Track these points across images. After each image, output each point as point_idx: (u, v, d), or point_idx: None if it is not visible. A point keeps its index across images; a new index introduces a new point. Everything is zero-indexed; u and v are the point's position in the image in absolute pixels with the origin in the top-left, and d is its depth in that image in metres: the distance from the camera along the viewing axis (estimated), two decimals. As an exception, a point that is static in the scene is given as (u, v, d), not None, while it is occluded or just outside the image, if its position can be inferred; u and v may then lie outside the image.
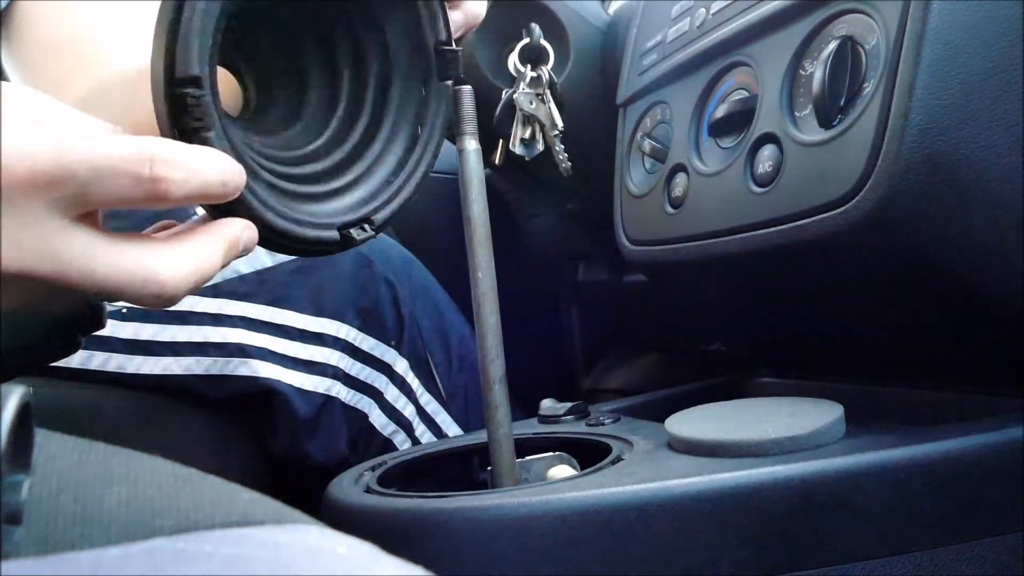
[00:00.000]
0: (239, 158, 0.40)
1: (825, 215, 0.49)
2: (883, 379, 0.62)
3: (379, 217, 0.47)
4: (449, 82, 0.50)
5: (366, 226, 0.46)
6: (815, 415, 0.50)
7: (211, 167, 0.37)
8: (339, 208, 0.46)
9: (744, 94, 0.59)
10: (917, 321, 0.54)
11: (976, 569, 0.45)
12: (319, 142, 0.48)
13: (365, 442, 0.73)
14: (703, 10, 0.65)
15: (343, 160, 0.48)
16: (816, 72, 0.51)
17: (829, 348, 0.65)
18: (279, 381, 0.67)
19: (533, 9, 0.80)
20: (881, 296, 0.54)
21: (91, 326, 0.43)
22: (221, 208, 0.40)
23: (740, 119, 0.58)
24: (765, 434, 0.48)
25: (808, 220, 0.51)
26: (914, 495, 0.45)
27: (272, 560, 0.24)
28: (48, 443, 0.28)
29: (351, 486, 0.53)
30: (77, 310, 0.42)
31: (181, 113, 0.38)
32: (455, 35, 0.51)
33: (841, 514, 0.44)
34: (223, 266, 0.39)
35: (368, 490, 0.52)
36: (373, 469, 0.57)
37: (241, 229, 0.40)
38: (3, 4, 0.65)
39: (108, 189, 0.34)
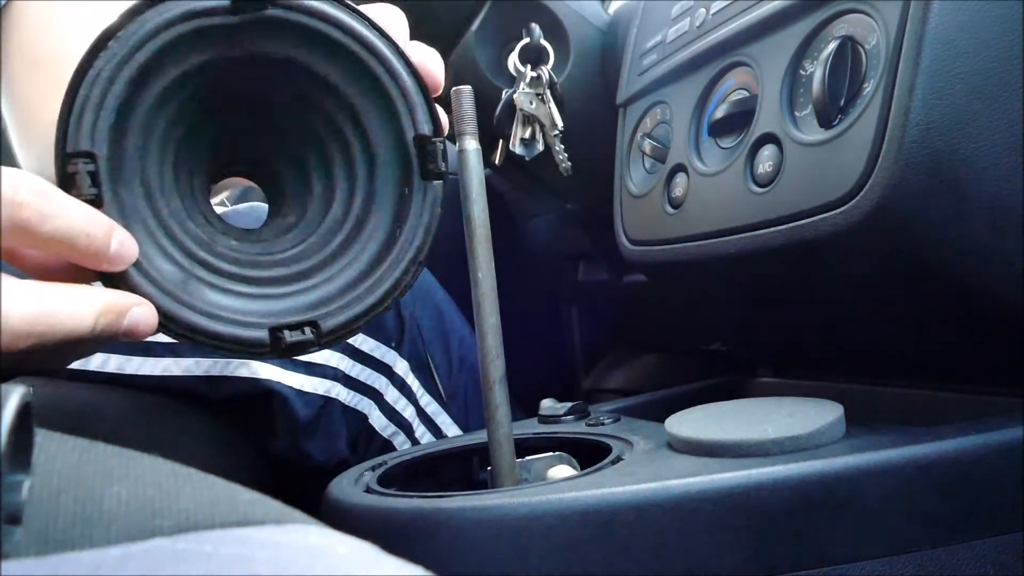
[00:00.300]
0: (147, 237, 0.40)
1: (825, 215, 0.49)
2: (883, 379, 0.62)
3: (328, 324, 0.43)
4: (435, 181, 0.46)
5: (307, 329, 0.42)
6: (815, 415, 0.50)
7: (79, 214, 0.37)
8: (284, 308, 0.43)
9: (744, 94, 0.59)
10: (917, 321, 0.54)
11: (976, 569, 0.45)
12: (301, 246, 0.46)
13: (365, 443, 0.73)
14: (703, 10, 0.65)
15: (318, 263, 0.45)
16: (816, 72, 0.51)
17: (829, 348, 0.65)
18: (279, 383, 0.67)
19: (533, 9, 0.80)
20: (881, 296, 0.54)
21: None
22: (114, 282, 0.39)
23: (740, 119, 0.58)
24: (765, 434, 0.48)
25: (808, 220, 0.51)
26: (914, 495, 0.45)
27: (272, 560, 0.24)
28: (48, 443, 0.28)
29: (351, 486, 0.53)
30: None
31: (70, 185, 0.39)
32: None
33: (841, 514, 0.44)
34: (99, 334, 0.38)
35: (368, 490, 0.52)
36: (373, 469, 0.57)
37: (130, 302, 0.39)
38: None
39: None
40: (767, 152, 0.55)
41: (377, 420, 0.73)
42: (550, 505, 0.44)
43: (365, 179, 0.46)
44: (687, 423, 0.52)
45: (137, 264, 0.39)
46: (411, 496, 0.48)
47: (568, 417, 0.64)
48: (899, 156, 0.46)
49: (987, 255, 0.48)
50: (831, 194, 0.49)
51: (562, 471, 0.54)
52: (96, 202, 0.39)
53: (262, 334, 0.41)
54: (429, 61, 0.47)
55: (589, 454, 0.55)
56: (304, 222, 0.47)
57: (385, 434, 0.74)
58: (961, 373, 0.56)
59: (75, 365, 0.63)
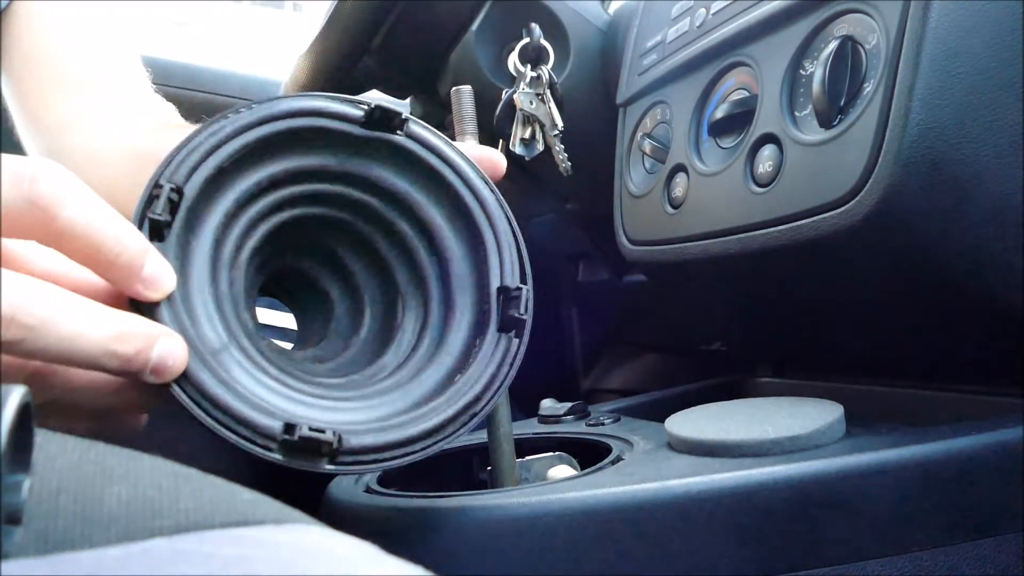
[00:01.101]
0: (217, 314, 0.38)
1: (825, 215, 0.49)
2: (883, 379, 0.62)
3: (352, 441, 0.37)
4: (512, 336, 0.43)
5: (327, 432, 0.36)
6: (815, 415, 0.50)
7: (110, 215, 0.33)
8: (309, 415, 0.38)
9: (744, 94, 0.59)
10: (917, 321, 0.54)
11: (976, 569, 0.45)
12: (344, 378, 0.43)
13: None
14: (703, 10, 0.65)
15: (360, 395, 0.41)
16: (816, 72, 0.51)
17: (829, 348, 0.65)
18: None
19: (533, 9, 0.80)
20: (881, 296, 0.54)
21: None
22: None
23: (740, 119, 0.58)
24: (765, 434, 0.48)
25: (808, 220, 0.51)
26: (914, 495, 0.45)
27: (272, 560, 0.24)
28: (48, 443, 0.28)
29: (351, 486, 0.53)
30: None
31: (151, 201, 0.38)
32: None
33: (841, 514, 0.44)
34: (115, 366, 0.33)
35: (368, 490, 0.52)
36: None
37: (157, 331, 0.34)
38: (2, 4, 0.65)
39: None
40: (767, 152, 0.55)
41: None
42: (550, 505, 0.44)
43: (438, 327, 0.44)
44: (687, 423, 0.52)
45: (175, 311, 0.36)
46: (411, 496, 0.48)
47: (568, 417, 0.64)
48: (899, 156, 0.46)
49: (987, 255, 0.48)
50: (831, 194, 0.49)
51: (562, 471, 0.54)
52: (161, 227, 0.37)
53: (275, 424, 0.36)
54: (493, 155, 0.48)
55: (589, 454, 0.55)
56: (351, 356, 0.45)
57: None
58: (961, 373, 0.56)
59: None
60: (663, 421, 0.55)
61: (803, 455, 0.46)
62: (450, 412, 0.40)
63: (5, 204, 0.31)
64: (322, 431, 0.36)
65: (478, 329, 0.43)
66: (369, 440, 0.38)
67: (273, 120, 0.41)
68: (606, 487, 0.45)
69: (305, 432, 0.36)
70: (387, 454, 0.38)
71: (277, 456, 0.36)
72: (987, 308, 0.50)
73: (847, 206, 0.48)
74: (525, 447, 0.56)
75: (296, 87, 0.91)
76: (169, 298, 0.36)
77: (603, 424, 0.61)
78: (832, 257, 0.52)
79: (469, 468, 0.61)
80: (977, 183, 0.46)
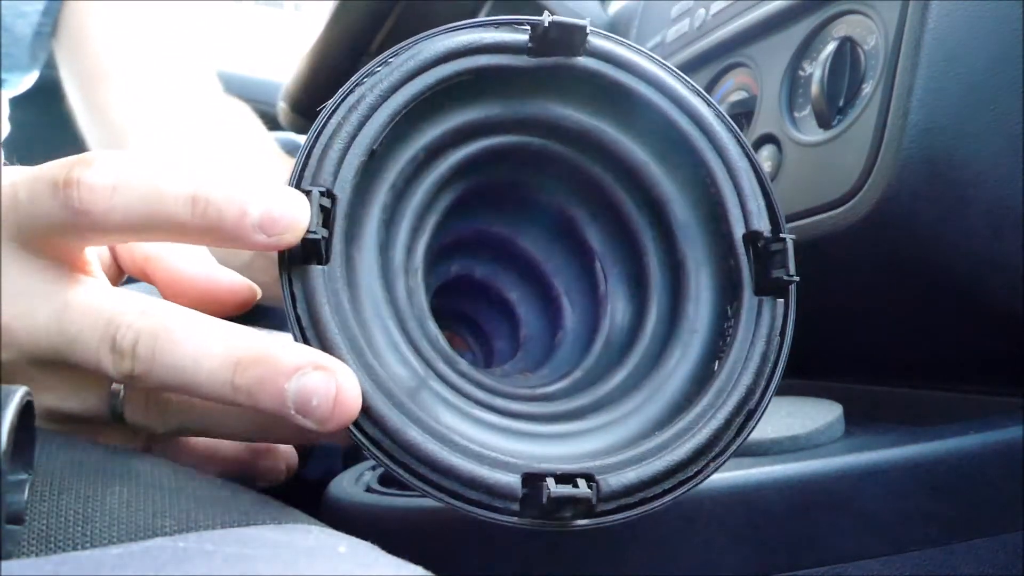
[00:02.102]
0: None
1: (824, 215, 0.50)
2: (883, 379, 0.62)
3: (611, 482, 0.29)
4: (775, 298, 0.33)
5: (580, 482, 0.28)
6: (815, 415, 0.50)
7: (172, 183, 0.26)
8: (544, 453, 0.30)
9: (743, 95, 0.59)
10: (916, 321, 0.54)
11: (976, 569, 0.45)
12: (563, 381, 0.34)
13: (355, 455, 0.73)
14: (703, 11, 0.65)
15: (591, 403, 0.33)
16: (815, 73, 0.51)
17: (829, 348, 0.65)
18: None
19: (532, 10, 0.80)
20: (880, 296, 0.54)
21: None
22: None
23: (739, 119, 0.58)
24: (765, 434, 0.48)
25: (807, 220, 0.51)
26: (914, 495, 0.45)
27: (273, 559, 0.24)
28: (50, 442, 0.29)
29: (351, 486, 0.53)
30: None
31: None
32: None
33: (840, 514, 0.44)
34: (234, 397, 0.27)
35: (368, 490, 0.52)
36: (373, 469, 0.57)
37: (290, 360, 0.27)
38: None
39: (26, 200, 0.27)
40: (766, 152, 0.55)
41: None
42: (550, 505, 0.44)
43: (666, 294, 0.34)
44: (687, 423, 0.53)
45: (359, 353, 0.29)
46: (411, 496, 0.48)
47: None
48: (898, 156, 0.46)
49: (986, 255, 0.48)
50: (830, 194, 0.49)
51: (562, 471, 0.54)
52: (320, 248, 0.28)
53: (512, 479, 0.28)
54: None
55: (589, 454, 0.55)
56: (558, 361, 0.36)
57: None
58: (961, 373, 0.56)
59: None
60: (663, 421, 0.55)
61: (802, 455, 0.46)
62: (721, 417, 0.31)
63: (48, 220, 0.27)
64: (574, 482, 0.28)
65: (726, 293, 0.34)
66: (632, 476, 0.29)
67: (421, 72, 0.32)
68: (606, 487, 0.45)
69: (554, 491, 0.27)
70: (655, 489, 0.30)
71: (522, 524, 0.28)
72: (987, 308, 0.50)
73: (846, 206, 0.48)
74: (525, 447, 0.56)
75: (298, 87, 0.91)
76: (346, 329, 0.28)
77: (603, 424, 0.61)
78: (831, 257, 0.52)
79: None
80: (976, 183, 0.46)
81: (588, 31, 0.32)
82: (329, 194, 0.29)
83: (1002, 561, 0.46)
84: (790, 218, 0.52)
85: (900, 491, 0.45)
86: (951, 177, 0.46)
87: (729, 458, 0.31)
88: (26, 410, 0.23)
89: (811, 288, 0.59)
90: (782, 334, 0.34)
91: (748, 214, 0.33)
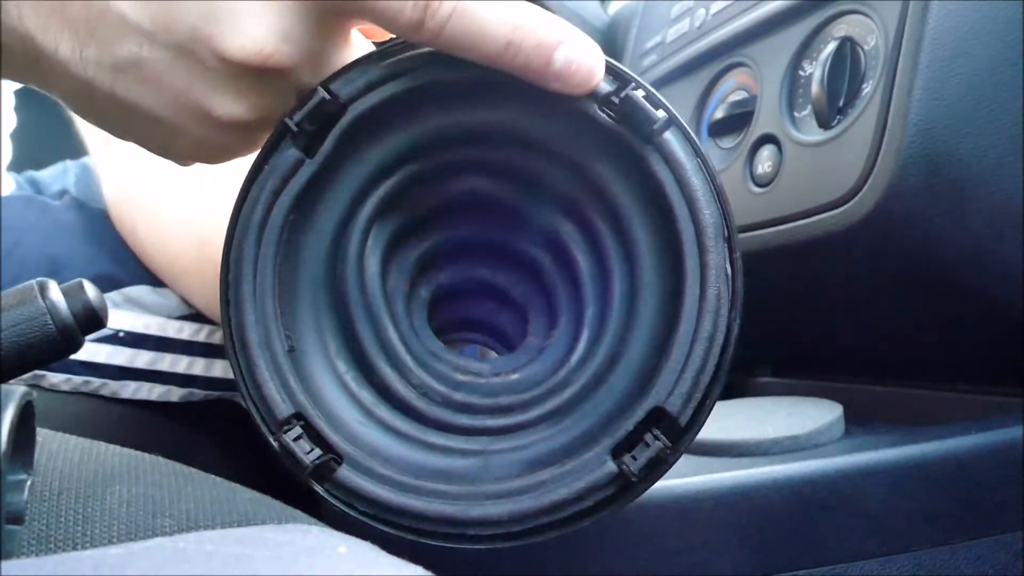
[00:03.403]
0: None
1: (824, 215, 0.50)
2: (883, 379, 0.62)
3: (680, 410, 0.31)
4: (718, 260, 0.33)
5: (650, 436, 0.31)
6: (815, 415, 0.50)
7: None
8: (598, 424, 0.32)
9: (744, 95, 0.59)
10: (916, 321, 0.54)
11: (976, 569, 0.45)
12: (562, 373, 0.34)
13: None
14: (703, 11, 0.65)
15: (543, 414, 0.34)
16: (815, 73, 0.51)
17: (829, 348, 0.65)
18: None
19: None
20: (880, 296, 0.54)
21: (93, 325, 0.43)
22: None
23: (739, 120, 0.58)
24: (765, 434, 0.48)
25: (807, 220, 0.51)
26: (914, 495, 0.45)
27: (273, 559, 0.24)
28: (50, 442, 0.29)
29: (351, 486, 0.53)
30: (77, 308, 0.41)
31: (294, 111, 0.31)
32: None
33: (841, 514, 0.44)
34: (511, 59, 0.29)
35: (368, 490, 0.52)
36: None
37: (558, 35, 0.29)
38: None
39: None
40: (766, 152, 0.55)
41: None
42: (550, 505, 0.44)
43: (641, 281, 0.34)
44: (687, 423, 0.53)
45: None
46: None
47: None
48: (898, 156, 0.46)
49: (986, 255, 0.48)
50: (830, 194, 0.49)
51: (562, 471, 0.54)
52: (326, 468, 0.31)
53: (608, 466, 0.31)
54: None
55: (589, 454, 0.55)
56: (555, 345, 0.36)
57: None
58: (961, 373, 0.56)
59: (68, 390, 0.63)
60: (663, 421, 0.55)
61: (802, 455, 0.46)
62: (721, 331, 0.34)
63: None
64: (644, 441, 0.31)
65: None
66: (697, 396, 0.32)
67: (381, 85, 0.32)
68: (606, 487, 0.45)
69: (641, 457, 0.31)
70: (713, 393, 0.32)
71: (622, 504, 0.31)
72: (987, 308, 0.50)
73: (846, 206, 0.48)
74: (525, 447, 0.56)
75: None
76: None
77: (603, 424, 0.61)
78: (831, 257, 0.52)
79: (469, 468, 0.61)
80: (976, 183, 0.46)
81: (664, 122, 0.33)
82: (335, 97, 0.31)
83: (1002, 561, 0.46)
84: (790, 218, 0.52)
85: (900, 491, 0.45)
86: (951, 176, 0.46)
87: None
88: (26, 410, 0.23)
89: (811, 288, 0.59)
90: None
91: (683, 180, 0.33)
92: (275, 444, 0.31)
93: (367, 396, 0.33)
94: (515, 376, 0.35)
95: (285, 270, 0.32)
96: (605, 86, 0.32)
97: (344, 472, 0.30)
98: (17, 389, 0.22)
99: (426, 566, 0.27)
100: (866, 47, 0.49)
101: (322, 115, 0.31)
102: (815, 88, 0.50)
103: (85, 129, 0.68)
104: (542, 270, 0.37)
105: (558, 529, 0.33)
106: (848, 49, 0.50)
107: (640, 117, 0.32)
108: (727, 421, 0.51)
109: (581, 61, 0.30)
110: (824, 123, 0.51)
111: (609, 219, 0.34)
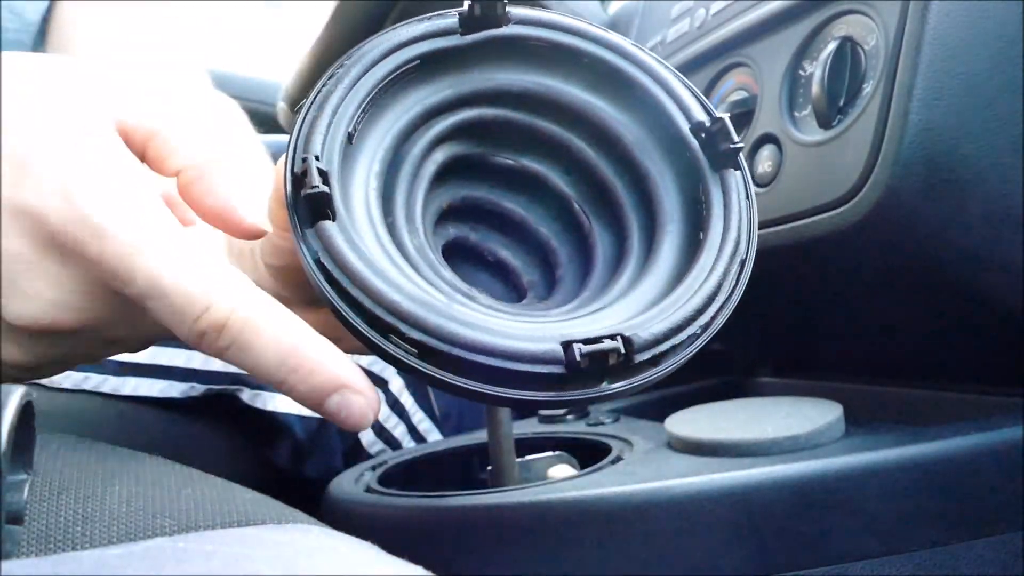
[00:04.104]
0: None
1: (824, 215, 0.50)
2: (883, 379, 0.62)
3: (642, 335, 0.31)
4: (732, 170, 0.37)
5: (610, 341, 0.31)
6: (815, 415, 0.50)
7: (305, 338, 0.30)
8: (574, 333, 0.32)
9: (744, 94, 0.59)
10: (916, 321, 0.54)
11: (976, 569, 0.45)
12: (576, 300, 0.37)
13: (355, 456, 0.73)
14: (703, 11, 0.65)
15: (601, 305, 0.36)
16: (815, 73, 0.51)
17: (829, 348, 0.65)
18: (274, 410, 0.67)
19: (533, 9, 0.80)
20: (880, 296, 0.54)
21: None
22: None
23: (740, 119, 0.58)
24: (765, 434, 0.48)
25: (807, 220, 0.51)
26: (914, 495, 0.45)
27: (273, 559, 0.24)
28: (50, 442, 0.29)
29: (351, 486, 0.53)
30: None
31: (299, 184, 0.32)
32: None
33: (841, 513, 0.44)
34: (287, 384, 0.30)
35: (368, 490, 0.52)
36: (373, 469, 0.57)
37: (338, 379, 0.30)
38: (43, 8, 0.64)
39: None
40: (767, 152, 0.55)
41: (366, 436, 0.73)
42: (550, 505, 0.44)
43: (640, 208, 0.38)
44: (687, 423, 0.53)
45: (387, 282, 0.31)
46: (411, 496, 0.48)
47: (568, 417, 0.64)
48: (898, 156, 0.46)
49: (986, 255, 0.48)
50: (830, 194, 0.49)
51: (562, 471, 0.54)
52: (330, 203, 0.32)
53: (552, 346, 0.30)
54: None
55: (589, 454, 0.55)
56: (566, 279, 0.40)
57: (372, 451, 0.73)
58: (961, 373, 0.56)
59: (68, 386, 0.63)
60: (663, 421, 0.55)
61: (803, 455, 0.46)
62: (720, 269, 0.35)
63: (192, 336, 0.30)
64: (599, 340, 0.30)
65: (692, 182, 0.37)
66: (660, 326, 0.32)
67: (375, 65, 0.36)
68: (606, 487, 0.45)
69: (586, 349, 0.30)
70: (682, 336, 0.33)
71: (562, 395, 0.30)
72: (987, 308, 0.50)
73: (846, 206, 0.48)
74: (525, 447, 0.56)
75: (297, 88, 0.91)
76: (372, 267, 0.31)
77: (603, 424, 0.61)
78: (831, 257, 0.52)
79: (469, 468, 0.61)
80: (976, 183, 0.46)
81: (506, 2, 0.37)
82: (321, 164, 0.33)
83: (1002, 561, 0.46)
84: (790, 218, 0.52)
85: (900, 490, 0.45)
86: (951, 176, 0.46)
87: (735, 305, 0.35)
88: (26, 410, 0.23)
89: (811, 288, 0.59)
90: (748, 197, 0.37)
91: (686, 109, 0.37)
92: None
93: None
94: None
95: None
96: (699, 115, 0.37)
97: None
98: (17, 389, 0.22)
99: (426, 566, 0.27)
100: (866, 47, 0.49)
101: (323, 175, 0.33)
102: (815, 88, 0.50)
103: None
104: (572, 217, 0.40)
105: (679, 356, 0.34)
106: (848, 49, 0.50)
107: (721, 142, 0.36)
108: (727, 421, 0.51)
109: (351, 410, 0.30)
110: (824, 123, 0.51)
111: (572, 118, 0.39)
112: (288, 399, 0.67)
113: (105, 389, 0.63)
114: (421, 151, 0.38)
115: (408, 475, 0.58)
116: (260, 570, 0.23)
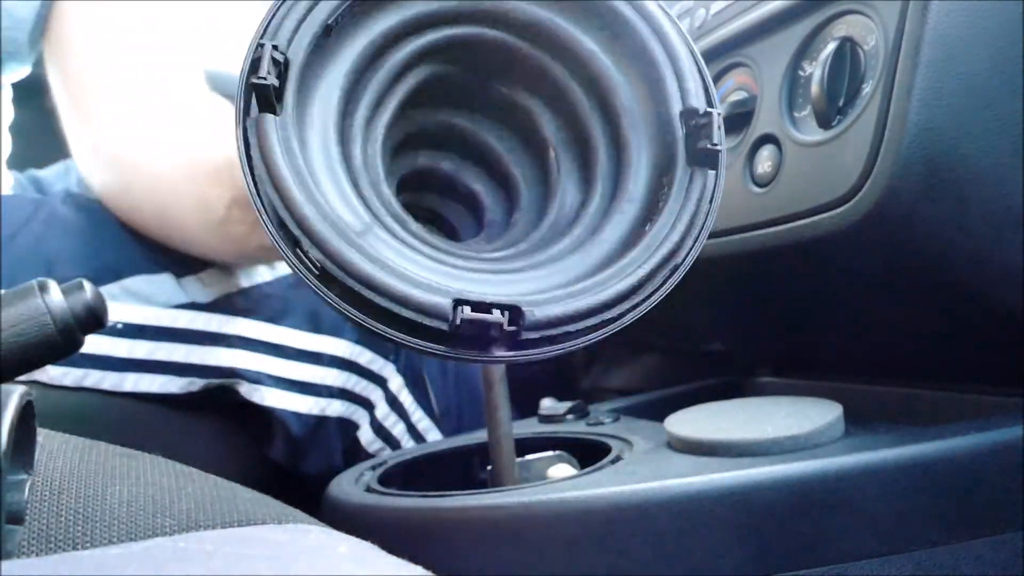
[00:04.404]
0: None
1: (824, 215, 0.50)
2: (883, 379, 0.62)
3: (536, 314, 0.30)
4: (707, 170, 0.35)
5: (498, 312, 0.30)
6: (814, 415, 0.50)
7: None
8: (479, 291, 0.31)
9: (743, 95, 0.59)
10: (916, 320, 0.54)
11: (976, 569, 0.45)
12: (511, 249, 0.37)
13: (354, 454, 0.73)
14: (703, 11, 0.65)
15: (531, 264, 0.35)
16: (815, 73, 0.51)
17: (829, 348, 0.65)
18: (273, 407, 0.67)
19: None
20: (880, 296, 0.54)
21: (93, 324, 0.43)
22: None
23: (739, 120, 0.58)
24: (764, 433, 0.48)
25: (807, 220, 0.51)
26: (914, 495, 0.45)
27: (273, 559, 0.24)
28: (50, 442, 0.29)
29: (351, 486, 0.53)
30: (76, 308, 0.41)
31: (252, 70, 0.31)
32: None
33: (840, 513, 0.44)
34: None
35: (368, 490, 0.52)
36: (373, 469, 0.57)
37: None
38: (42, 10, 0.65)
39: None
40: (766, 152, 0.55)
41: (364, 435, 0.73)
42: (550, 505, 0.44)
43: (610, 175, 0.37)
44: (687, 423, 0.53)
45: (308, 191, 0.30)
46: (411, 496, 0.48)
47: (568, 416, 0.64)
48: (898, 156, 0.46)
49: (986, 255, 0.48)
50: (830, 194, 0.49)
51: (562, 471, 0.54)
52: (270, 95, 0.30)
53: (442, 301, 0.30)
54: None
55: (589, 454, 0.55)
56: (515, 232, 0.39)
57: (371, 449, 0.73)
58: (961, 373, 0.56)
59: (69, 383, 0.63)
60: (663, 421, 0.55)
61: (802, 455, 0.46)
62: (648, 267, 0.33)
63: None
64: (488, 310, 0.29)
65: (663, 167, 0.36)
66: (557, 310, 0.31)
67: None
68: (606, 487, 0.45)
69: (467, 314, 0.29)
70: (579, 325, 0.32)
71: (444, 349, 0.30)
72: (987, 308, 0.50)
73: (846, 206, 0.48)
74: (525, 447, 0.56)
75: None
76: (296, 171, 0.30)
77: (603, 423, 0.61)
78: (831, 257, 0.52)
79: (469, 468, 0.61)
80: (976, 183, 0.46)
81: None
82: (282, 54, 0.31)
83: (1002, 561, 0.46)
84: (790, 218, 0.52)
85: (900, 490, 0.45)
86: (951, 177, 0.46)
87: (651, 307, 0.34)
88: (26, 410, 0.23)
89: (811, 288, 0.59)
90: (711, 200, 0.35)
91: (686, 92, 0.35)
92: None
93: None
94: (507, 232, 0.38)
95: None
96: None
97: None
98: (17, 388, 0.22)
99: (426, 566, 0.27)
100: (866, 47, 0.49)
101: (278, 66, 0.31)
102: (815, 88, 0.50)
103: (67, 128, 0.68)
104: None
105: (611, 326, 0.33)
106: (848, 49, 0.50)
107: (703, 138, 0.34)
108: (727, 421, 0.51)
109: None
110: (824, 123, 0.51)
111: (571, 64, 0.37)
112: (284, 395, 0.67)
113: (105, 386, 0.64)
114: (403, 59, 0.36)
115: (408, 475, 0.58)
116: (260, 570, 0.23)
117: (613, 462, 0.51)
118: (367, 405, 0.73)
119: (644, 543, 0.44)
